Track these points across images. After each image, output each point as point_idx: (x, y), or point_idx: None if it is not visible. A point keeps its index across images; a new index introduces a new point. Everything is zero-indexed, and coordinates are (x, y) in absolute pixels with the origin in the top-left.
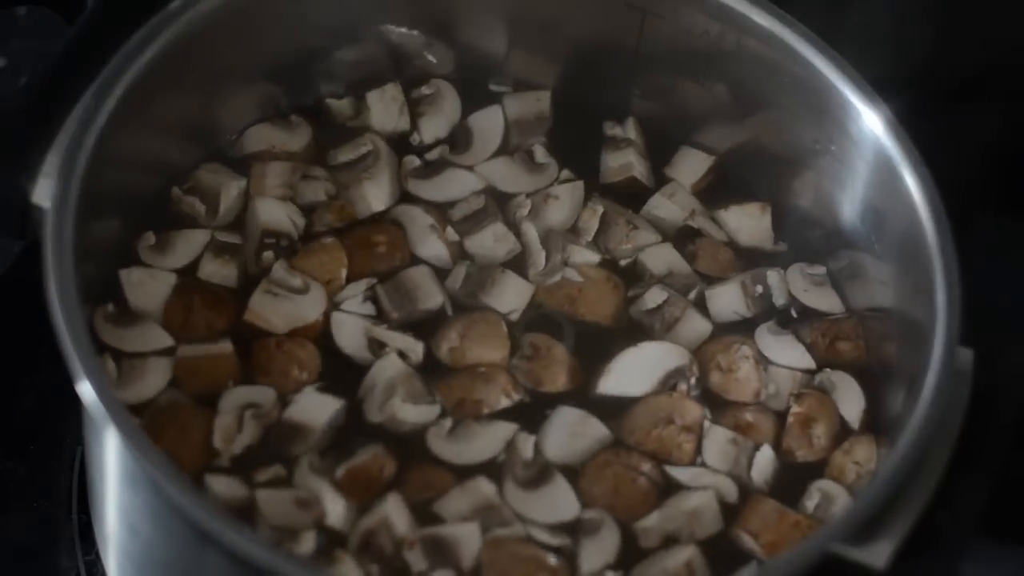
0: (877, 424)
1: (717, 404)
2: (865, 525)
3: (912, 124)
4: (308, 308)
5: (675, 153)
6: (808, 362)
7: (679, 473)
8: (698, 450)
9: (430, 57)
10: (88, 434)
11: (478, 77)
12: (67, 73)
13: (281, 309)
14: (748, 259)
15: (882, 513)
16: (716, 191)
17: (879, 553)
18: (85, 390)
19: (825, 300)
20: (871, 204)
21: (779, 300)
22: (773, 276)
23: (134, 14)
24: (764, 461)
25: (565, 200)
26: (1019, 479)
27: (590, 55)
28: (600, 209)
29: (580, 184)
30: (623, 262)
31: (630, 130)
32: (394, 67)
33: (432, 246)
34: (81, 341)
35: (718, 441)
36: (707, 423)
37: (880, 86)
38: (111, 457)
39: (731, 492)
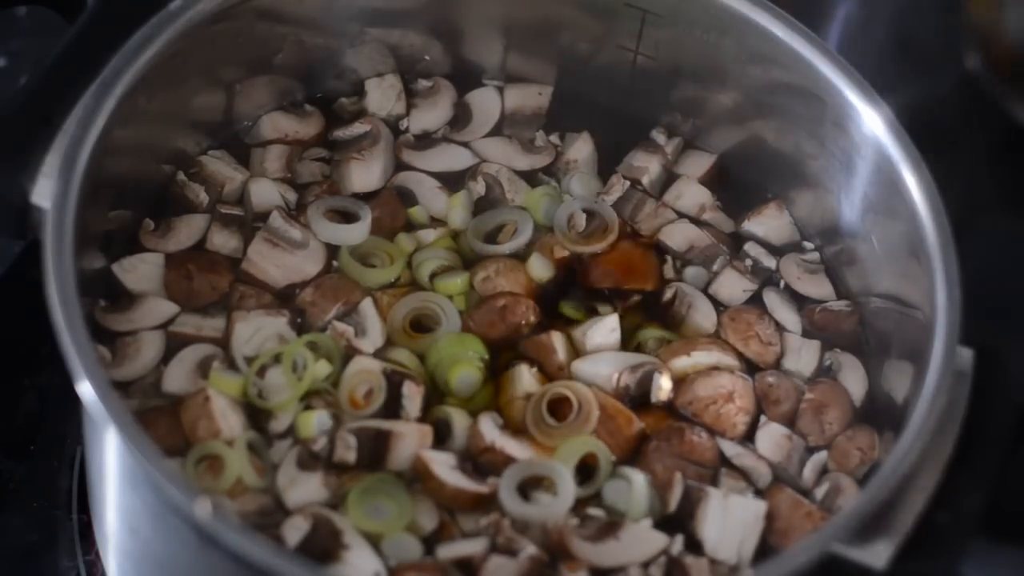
0: (875, 407)
1: (751, 369)
2: (865, 525)
3: (912, 124)
4: (308, 262)
5: (681, 154)
6: (799, 327)
7: (728, 447)
8: (750, 432)
9: (427, 58)
10: (88, 434)
11: (476, 77)
12: (67, 73)
13: (280, 261)
14: (738, 242)
15: (882, 513)
16: (719, 192)
17: (879, 553)
18: (85, 390)
19: (817, 287)
20: (871, 204)
21: (769, 264)
22: (749, 246)
23: (134, 14)
24: (817, 464)
25: (582, 161)
26: (1019, 479)
27: (589, 56)
28: (626, 183)
29: (587, 135)
30: (646, 238)
31: (668, 144)
32: (397, 66)
33: (441, 203)
34: (81, 341)
35: (773, 433)
36: (764, 417)
37: (880, 86)
38: (111, 457)
39: (764, 478)
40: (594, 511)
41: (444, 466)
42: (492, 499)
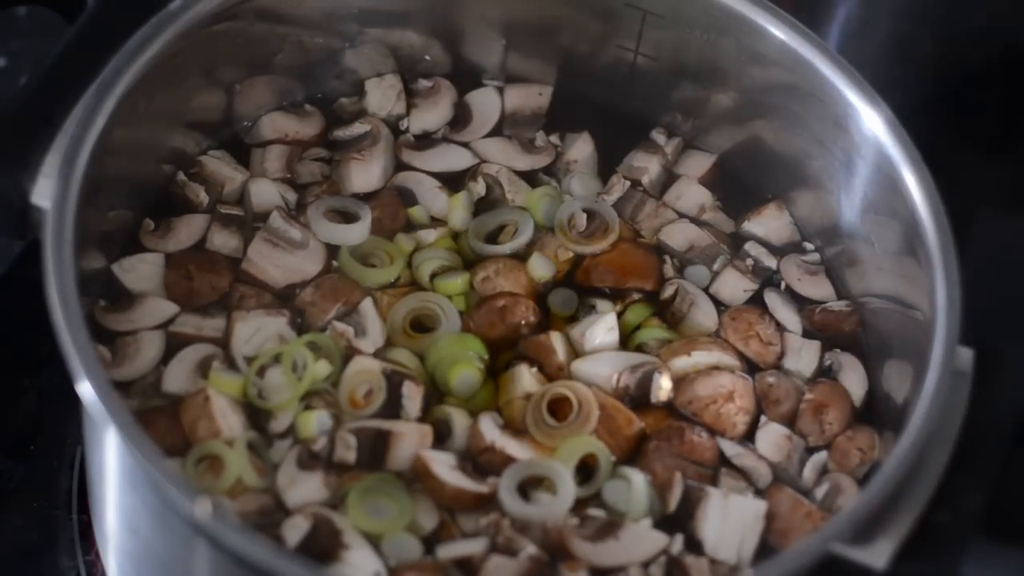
0: (875, 407)
1: (752, 369)
2: (865, 525)
3: (912, 124)
4: (308, 263)
5: (681, 154)
6: (799, 328)
7: (728, 447)
8: (750, 432)
9: (427, 58)
10: (88, 434)
11: (476, 77)
12: (67, 73)
13: (280, 261)
14: (738, 242)
15: (882, 513)
16: (719, 192)
17: (879, 553)
18: (85, 390)
19: (818, 289)
20: (871, 204)
21: (770, 263)
22: (750, 246)
23: (134, 14)
24: (817, 464)
25: (582, 162)
26: (1019, 479)
27: (589, 56)
28: (627, 184)
29: (587, 135)
30: (646, 238)
31: (668, 144)
32: (397, 66)
33: (441, 202)
34: (81, 341)
35: (773, 433)
36: (764, 417)
37: (880, 86)
38: (111, 457)
39: (764, 479)
40: (594, 511)
41: (444, 466)
42: (492, 499)
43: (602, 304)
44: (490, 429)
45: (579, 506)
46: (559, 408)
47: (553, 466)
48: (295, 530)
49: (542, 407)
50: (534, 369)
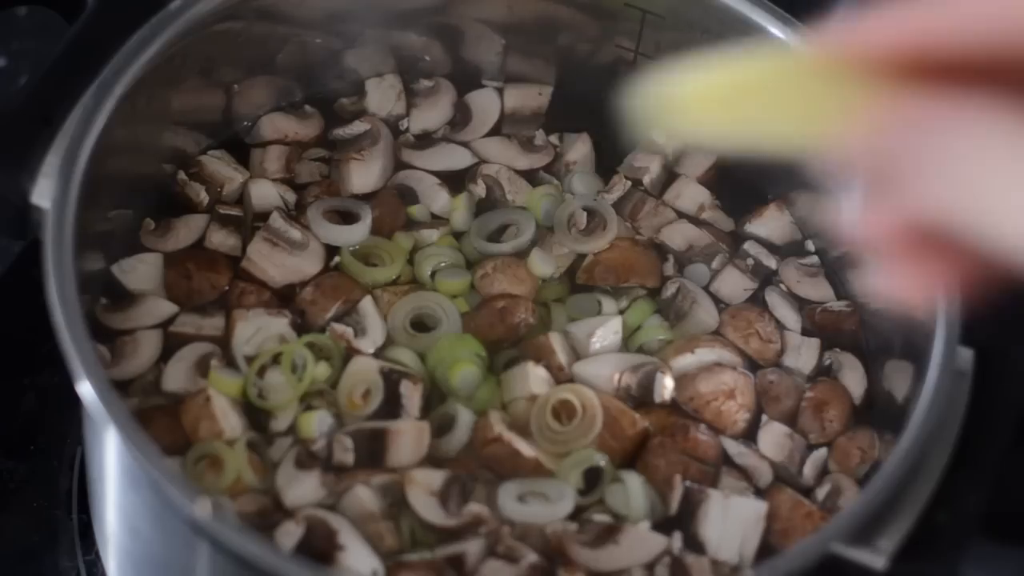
0: (875, 407)
1: (752, 366)
2: (865, 525)
3: None
4: (307, 263)
5: (681, 154)
6: (798, 326)
7: (730, 446)
8: (750, 429)
9: (427, 58)
10: (88, 434)
11: (476, 77)
12: (67, 73)
13: (280, 261)
14: (737, 241)
15: (882, 513)
16: (719, 192)
17: (879, 553)
18: (85, 390)
19: (817, 290)
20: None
21: (770, 263)
22: (749, 245)
23: (134, 14)
24: (817, 461)
25: (580, 162)
26: (1019, 479)
27: (589, 56)
28: (628, 183)
29: (585, 136)
30: (645, 237)
31: (668, 144)
32: (397, 66)
33: (441, 199)
34: (81, 340)
35: (775, 432)
36: (765, 416)
37: None
38: (111, 457)
39: (764, 478)
40: (600, 517)
41: (423, 491)
42: (467, 528)
43: (607, 303)
44: (498, 421)
45: (582, 512)
46: (562, 411)
47: (551, 485)
48: (288, 536)
49: (546, 413)
50: (539, 367)
